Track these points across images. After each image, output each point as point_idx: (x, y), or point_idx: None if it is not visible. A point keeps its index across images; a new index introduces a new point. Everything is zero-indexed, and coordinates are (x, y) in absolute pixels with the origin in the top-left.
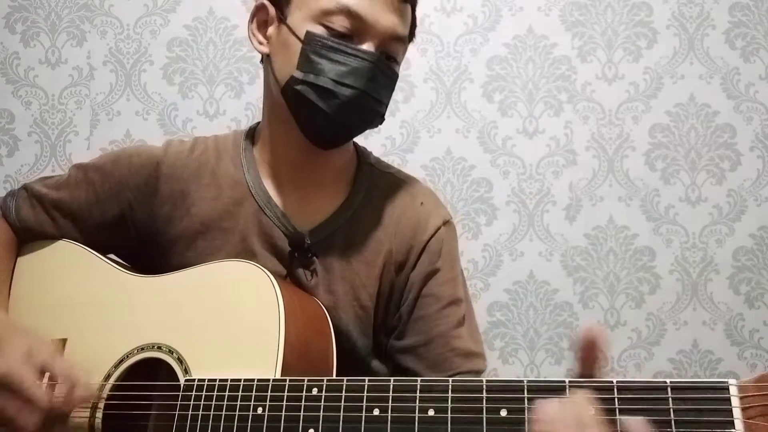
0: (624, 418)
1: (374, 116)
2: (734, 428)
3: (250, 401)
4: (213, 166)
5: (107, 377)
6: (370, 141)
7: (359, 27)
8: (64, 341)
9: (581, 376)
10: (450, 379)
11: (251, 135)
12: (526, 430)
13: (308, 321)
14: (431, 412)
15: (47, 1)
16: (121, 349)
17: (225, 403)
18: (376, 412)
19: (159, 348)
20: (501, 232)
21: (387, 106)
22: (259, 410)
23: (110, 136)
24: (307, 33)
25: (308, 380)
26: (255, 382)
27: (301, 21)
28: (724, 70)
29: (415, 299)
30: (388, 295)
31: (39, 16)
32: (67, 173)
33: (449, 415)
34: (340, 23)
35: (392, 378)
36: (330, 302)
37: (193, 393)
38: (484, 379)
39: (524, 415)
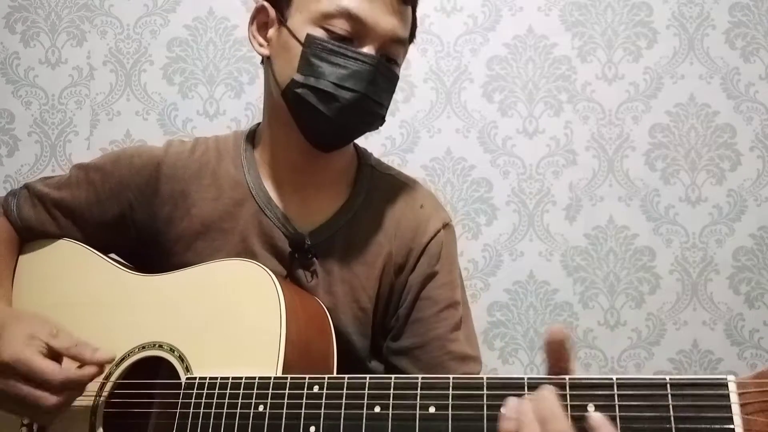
0: (591, 413)
1: (375, 119)
2: (733, 424)
3: (252, 399)
4: (214, 166)
5: (108, 376)
6: (370, 141)
7: (359, 30)
8: None
9: (552, 375)
10: (451, 376)
11: (252, 136)
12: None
13: (309, 320)
14: (432, 410)
15: (47, 1)
16: (122, 347)
17: (226, 401)
18: (377, 409)
19: (160, 346)
20: (501, 232)
21: (387, 109)
22: (261, 408)
23: (110, 136)
24: (308, 36)
25: (309, 378)
26: (256, 380)
27: (302, 23)
28: (724, 70)
29: (413, 301)
30: (387, 296)
31: (39, 16)
32: (68, 173)
33: (450, 412)
34: (341, 26)
35: (393, 375)
36: (329, 303)
37: (195, 391)
38: (484, 376)
39: None
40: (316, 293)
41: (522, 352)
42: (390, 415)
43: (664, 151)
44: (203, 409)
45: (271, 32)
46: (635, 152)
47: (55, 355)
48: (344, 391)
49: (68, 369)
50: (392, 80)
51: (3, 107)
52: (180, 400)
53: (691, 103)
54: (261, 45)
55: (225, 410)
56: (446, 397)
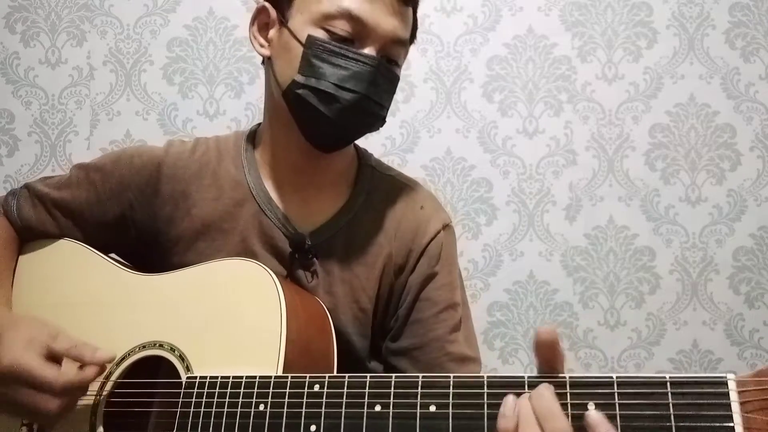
0: (589, 412)
1: (375, 120)
2: (733, 422)
3: (252, 398)
4: (214, 166)
5: (109, 375)
6: (370, 141)
7: (360, 31)
8: None
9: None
10: (451, 375)
11: (252, 136)
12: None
13: (310, 319)
14: (433, 408)
15: (47, 1)
16: (123, 347)
17: (227, 400)
18: (377, 408)
19: (161, 346)
20: (501, 232)
21: (388, 110)
22: (261, 407)
23: (110, 136)
24: (309, 37)
25: (310, 377)
26: (257, 380)
27: (303, 24)
28: (724, 70)
29: (412, 302)
30: (386, 297)
31: (39, 16)
32: (69, 173)
33: (450, 410)
34: (342, 27)
35: (394, 375)
36: (329, 303)
37: (195, 390)
38: (485, 375)
39: None
40: (316, 293)
41: (522, 352)
42: (391, 413)
43: (664, 151)
44: (204, 408)
45: (272, 33)
46: (635, 152)
47: (55, 357)
48: (345, 390)
49: (68, 372)
50: (393, 81)
51: (3, 107)
52: (181, 400)
53: (691, 103)
54: (262, 45)
55: (226, 409)
56: (447, 396)
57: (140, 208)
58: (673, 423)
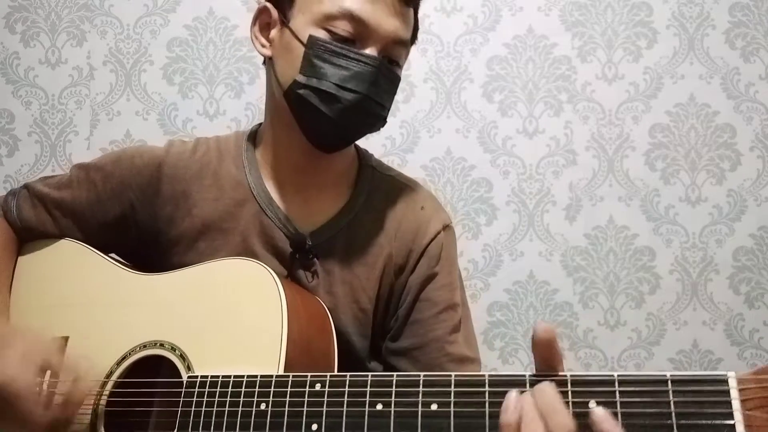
0: (594, 408)
1: (376, 120)
2: (734, 420)
3: (254, 398)
4: (215, 166)
5: (109, 375)
6: (371, 141)
7: (362, 31)
8: (66, 339)
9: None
10: (453, 373)
11: (253, 136)
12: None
13: (310, 319)
14: (434, 407)
15: (47, 1)
16: (124, 346)
17: (228, 399)
18: (379, 407)
19: (161, 345)
20: (501, 232)
21: (389, 110)
22: (263, 406)
23: (110, 136)
24: (310, 37)
25: (311, 376)
26: (258, 379)
27: (304, 25)
28: (724, 70)
29: (412, 302)
30: (387, 297)
31: (39, 16)
32: (69, 173)
33: (452, 409)
34: (343, 27)
35: (395, 373)
36: (330, 304)
37: (196, 390)
38: (486, 373)
39: None
40: (316, 293)
41: (522, 352)
42: (392, 412)
43: (664, 151)
44: (205, 407)
45: (274, 33)
46: (635, 152)
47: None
48: (346, 389)
49: (59, 394)
50: (394, 82)
51: (3, 107)
52: (182, 399)
53: (691, 103)
54: (263, 46)
55: (227, 409)
56: (448, 394)
57: (141, 208)
58: (674, 421)
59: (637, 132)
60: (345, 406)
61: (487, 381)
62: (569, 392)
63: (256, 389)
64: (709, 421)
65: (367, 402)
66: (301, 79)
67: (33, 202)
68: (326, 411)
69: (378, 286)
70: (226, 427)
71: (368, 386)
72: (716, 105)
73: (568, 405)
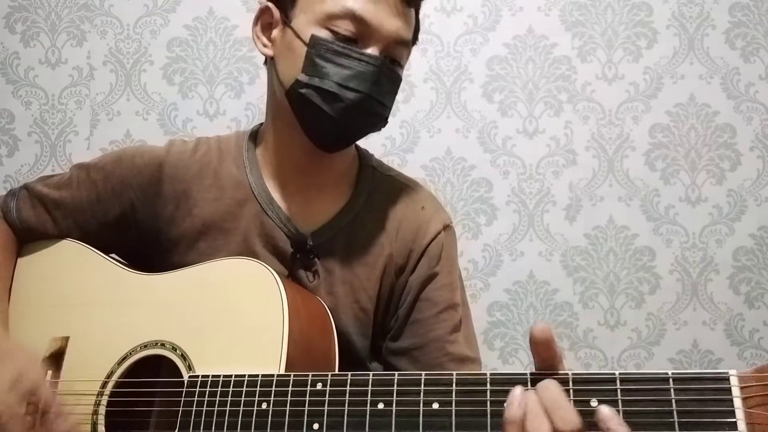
0: (599, 407)
1: (378, 120)
2: (735, 418)
3: (255, 397)
4: (215, 166)
5: (110, 374)
6: (371, 141)
7: (364, 31)
8: (66, 339)
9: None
10: (454, 372)
11: (254, 136)
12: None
13: (311, 318)
14: (435, 406)
15: (47, 1)
16: (124, 346)
17: (229, 398)
18: (380, 406)
19: (162, 345)
20: (501, 232)
21: (390, 110)
22: (264, 406)
23: (110, 136)
24: (312, 37)
25: (313, 375)
26: (259, 378)
27: (306, 24)
28: (724, 70)
29: (412, 302)
30: (387, 297)
31: (39, 16)
32: (68, 173)
33: (453, 408)
34: (345, 27)
35: (396, 372)
36: (330, 304)
37: (197, 389)
38: (488, 372)
39: None
40: (317, 293)
41: (522, 352)
42: (393, 411)
43: (664, 151)
44: (206, 407)
45: (275, 33)
46: (635, 152)
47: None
48: (347, 388)
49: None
50: (395, 82)
51: (3, 107)
52: (183, 399)
53: (691, 103)
54: (265, 45)
55: (228, 408)
56: (449, 393)
57: (142, 208)
58: (675, 419)
59: (637, 132)
60: (346, 405)
61: (488, 380)
62: (571, 390)
63: (258, 389)
64: (710, 419)
65: (369, 401)
66: (303, 78)
67: (33, 203)
68: (327, 410)
69: (379, 286)
70: (227, 427)
71: (369, 385)
72: (716, 105)
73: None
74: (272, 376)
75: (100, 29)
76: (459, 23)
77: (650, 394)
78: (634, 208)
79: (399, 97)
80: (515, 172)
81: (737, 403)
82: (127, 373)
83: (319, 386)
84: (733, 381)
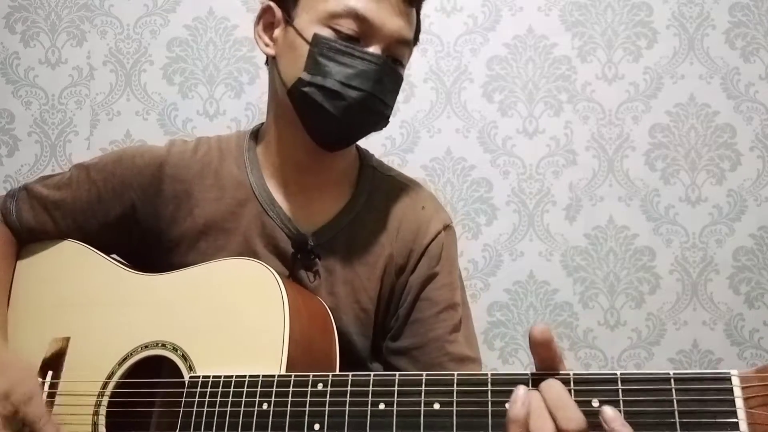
0: (604, 408)
1: (380, 119)
2: (737, 418)
3: (256, 397)
4: (216, 166)
5: (111, 375)
6: (371, 141)
7: (366, 30)
8: (67, 340)
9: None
10: (455, 373)
11: (255, 136)
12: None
13: (312, 319)
14: (437, 406)
15: (47, 1)
16: (125, 347)
17: (230, 399)
18: (381, 406)
19: (163, 345)
20: (501, 232)
21: (392, 109)
22: (265, 406)
23: (110, 136)
24: (315, 35)
25: (313, 376)
26: (260, 379)
27: (308, 23)
28: (724, 70)
29: (412, 302)
30: (388, 297)
31: (39, 16)
32: (68, 173)
33: (454, 408)
34: (348, 26)
35: (397, 373)
36: (331, 304)
37: (198, 390)
38: (489, 372)
39: None
40: (318, 294)
41: (522, 352)
42: (394, 411)
43: (664, 151)
44: (207, 407)
45: (277, 32)
46: (635, 152)
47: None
48: (348, 388)
49: None
50: (397, 81)
51: (3, 107)
52: (183, 399)
53: (691, 103)
54: (267, 45)
55: (229, 408)
56: (450, 393)
57: (142, 208)
58: (677, 419)
59: (637, 132)
60: (347, 405)
61: (489, 380)
62: (572, 391)
63: (258, 389)
64: (712, 420)
65: (370, 401)
66: (305, 77)
67: (32, 204)
68: (328, 411)
69: (379, 285)
70: (228, 427)
71: (370, 386)
72: (716, 105)
73: None
74: (273, 376)
75: (100, 29)
76: (459, 23)
77: (651, 395)
78: (634, 208)
79: (399, 97)
80: (515, 172)
81: (739, 403)
82: (128, 373)
83: (320, 386)
84: (735, 381)
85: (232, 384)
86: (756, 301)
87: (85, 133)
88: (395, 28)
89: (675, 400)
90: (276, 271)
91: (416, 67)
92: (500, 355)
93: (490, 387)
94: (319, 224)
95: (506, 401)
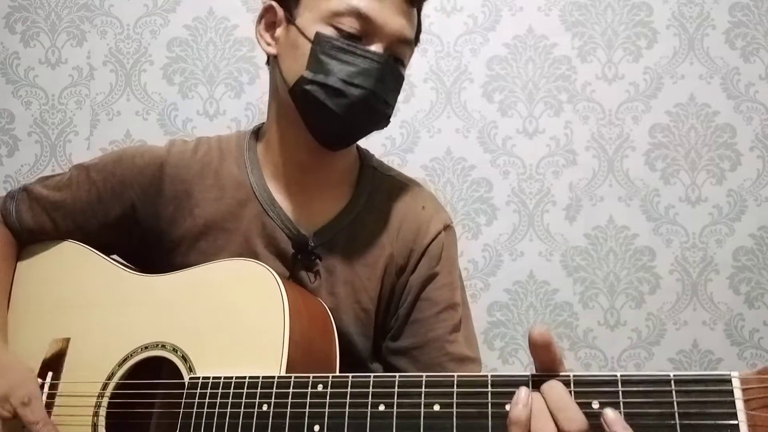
0: (605, 410)
1: (381, 117)
2: (737, 420)
3: (255, 399)
4: (216, 166)
5: (111, 376)
6: (371, 141)
7: (368, 29)
8: (67, 340)
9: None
10: (455, 374)
11: (255, 136)
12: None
13: (312, 320)
14: (437, 408)
15: (47, 1)
16: (125, 347)
17: (230, 400)
18: (381, 408)
19: (163, 346)
20: (501, 232)
21: (393, 109)
22: (265, 407)
23: (110, 136)
24: (317, 34)
25: (313, 377)
26: (260, 380)
27: (311, 22)
28: (724, 70)
29: (412, 302)
30: (388, 297)
31: (39, 16)
32: (68, 173)
33: (454, 410)
34: (350, 24)
35: (397, 374)
36: (332, 304)
37: (198, 391)
38: (489, 374)
39: None
40: (318, 294)
41: (522, 352)
42: (394, 413)
43: (664, 151)
44: (207, 408)
45: (279, 31)
46: (635, 152)
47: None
48: (348, 389)
49: None
50: (399, 80)
51: (3, 107)
52: (183, 400)
53: (691, 103)
54: (268, 44)
55: (228, 410)
56: (451, 395)
57: (143, 208)
58: (677, 421)
59: (637, 132)
60: (347, 407)
61: (489, 381)
62: (572, 392)
63: (258, 390)
64: (712, 422)
65: (370, 403)
66: (307, 74)
67: (32, 205)
68: (328, 412)
69: (380, 286)
70: (228, 429)
71: (370, 387)
72: (716, 105)
73: None
74: (273, 377)
75: (100, 29)
76: (459, 23)
77: (652, 396)
78: (634, 208)
79: (399, 97)
80: (515, 172)
81: (739, 405)
82: (128, 374)
83: (319, 388)
84: (735, 383)
85: (232, 385)
86: (756, 301)
87: (85, 133)
88: (397, 27)
89: (675, 402)
90: (276, 271)
91: (416, 67)
92: (500, 355)
93: (490, 388)
94: (320, 224)
95: (506, 403)
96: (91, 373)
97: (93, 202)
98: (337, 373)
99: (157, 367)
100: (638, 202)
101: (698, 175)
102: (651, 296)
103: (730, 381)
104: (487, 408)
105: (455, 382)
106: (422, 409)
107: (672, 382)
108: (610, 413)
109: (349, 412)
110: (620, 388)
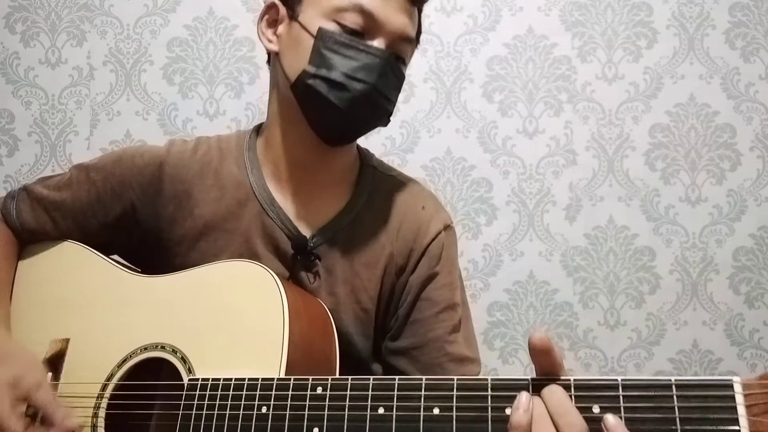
0: (606, 415)
1: (383, 114)
2: (739, 425)
3: (255, 401)
4: (216, 166)
5: (110, 377)
6: (371, 141)
7: (371, 25)
8: (67, 341)
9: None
10: (455, 377)
11: (255, 136)
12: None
13: (312, 321)
14: (436, 411)
15: (47, 1)
16: (125, 348)
17: (229, 402)
18: (380, 410)
19: (162, 348)
20: (501, 232)
21: (394, 106)
22: (264, 409)
23: (110, 136)
24: (320, 29)
25: (313, 379)
26: (259, 382)
27: (313, 18)
28: (724, 70)
29: (412, 302)
30: (388, 297)
31: (39, 16)
32: (68, 173)
33: (454, 413)
34: (353, 20)
35: (397, 377)
36: (331, 304)
37: (197, 392)
38: (489, 377)
39: None
40: (318, 294)
41: (522, 352)
42: (394, 416)
43: (664, 151)
44: (206, 410)
45: (281, 28)
46: (635, 152)
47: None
48: (348, 392)
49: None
50: (400, 78)
51: (3, 107)
52: (182, 402)
53: (691, 103)
54: (270, 41)
55: (228, 411)
56: (450, 398)
57: (142, 208)
58: (678, 426)
59: (637, 132)
60: (346, 410)
61: (489, 385)
62: (572, 396)
63: (257, 392)
64: (714, 427)
65: (369, 406)
66: (310, 69)
67: (32, 205)
68: (327, 415)
69: (380, 285)
70: (227, 430)
71: (370, 390)
72: (716, 105)
73: None
74: (272, 379)
75: (100, 29)
76: (459, 23)
77: (653, 401)
78: (634, 208)
79: (399, 97)
80: (515, 172)
81: (741, 410)
82: (127, 375)
83: (319, 390)
84: (737, 388)
85: (231, 387)
86: (756, 301)
87: (85, 133)
88: (399, 24)
89: (676, 407)
90: (276, 272)
91: (416, 67)
92: (500, 355)
93: (490, 392)
94: (320, 224)
95: (506, 406)
96: (91, 374)
97: (93, 202)
98: (337, 376)
99: (157, 368)
100: (638, 202)
101: (698, 175)
102: (651, 296)
103: (731, 386)
104: (487, 412)
105: (455, 386)
106: (422, 413)
107: (673, 386)
108: (610, 419)
109: (348, 414)
110: (621, 393)
